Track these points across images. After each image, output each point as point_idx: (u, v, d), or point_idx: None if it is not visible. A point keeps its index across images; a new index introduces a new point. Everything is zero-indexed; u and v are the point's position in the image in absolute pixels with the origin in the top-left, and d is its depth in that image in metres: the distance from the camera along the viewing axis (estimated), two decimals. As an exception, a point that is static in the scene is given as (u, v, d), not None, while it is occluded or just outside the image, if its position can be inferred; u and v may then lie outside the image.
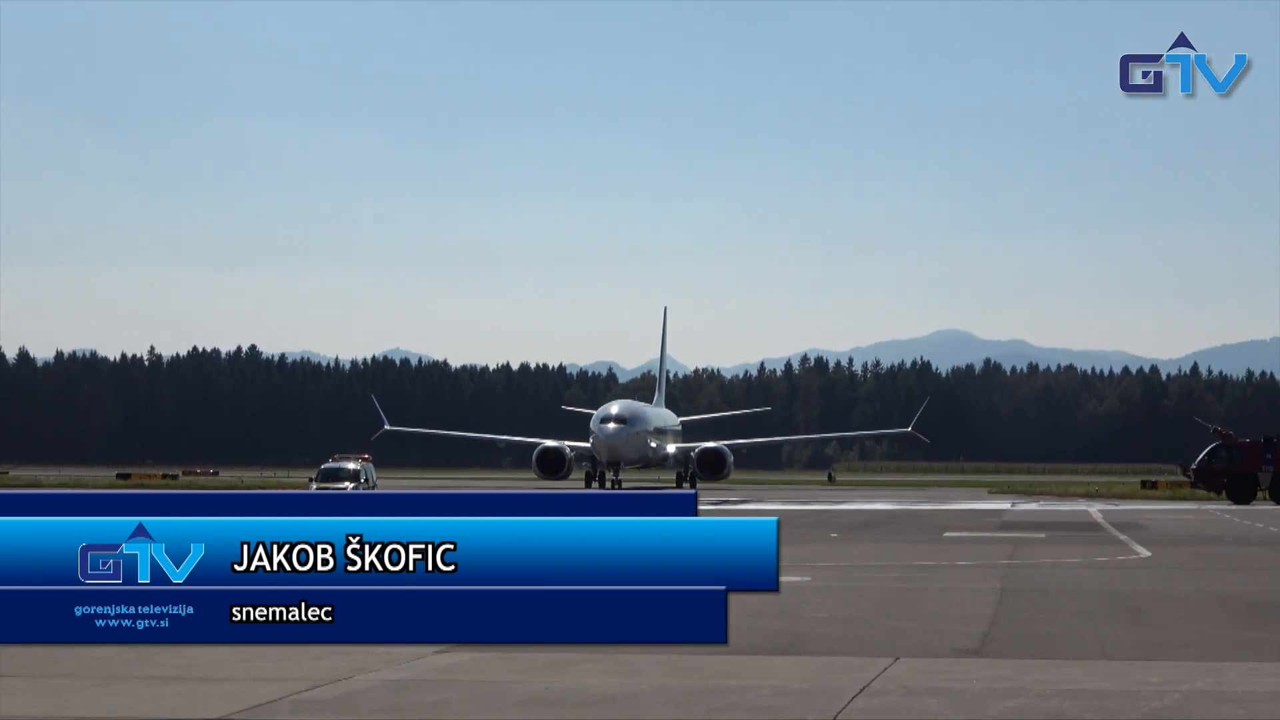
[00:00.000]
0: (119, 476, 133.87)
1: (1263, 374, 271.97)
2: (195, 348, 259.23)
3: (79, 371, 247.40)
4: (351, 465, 68.89)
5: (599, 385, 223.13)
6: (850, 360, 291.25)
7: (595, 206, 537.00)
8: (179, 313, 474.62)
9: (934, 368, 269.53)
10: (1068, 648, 21.86)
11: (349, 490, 64.35)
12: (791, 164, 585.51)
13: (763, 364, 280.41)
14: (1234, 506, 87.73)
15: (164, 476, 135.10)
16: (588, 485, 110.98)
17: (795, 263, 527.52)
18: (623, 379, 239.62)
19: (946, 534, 54.09)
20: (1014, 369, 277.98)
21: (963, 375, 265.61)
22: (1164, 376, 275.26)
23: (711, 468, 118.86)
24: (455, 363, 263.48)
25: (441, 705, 16.45)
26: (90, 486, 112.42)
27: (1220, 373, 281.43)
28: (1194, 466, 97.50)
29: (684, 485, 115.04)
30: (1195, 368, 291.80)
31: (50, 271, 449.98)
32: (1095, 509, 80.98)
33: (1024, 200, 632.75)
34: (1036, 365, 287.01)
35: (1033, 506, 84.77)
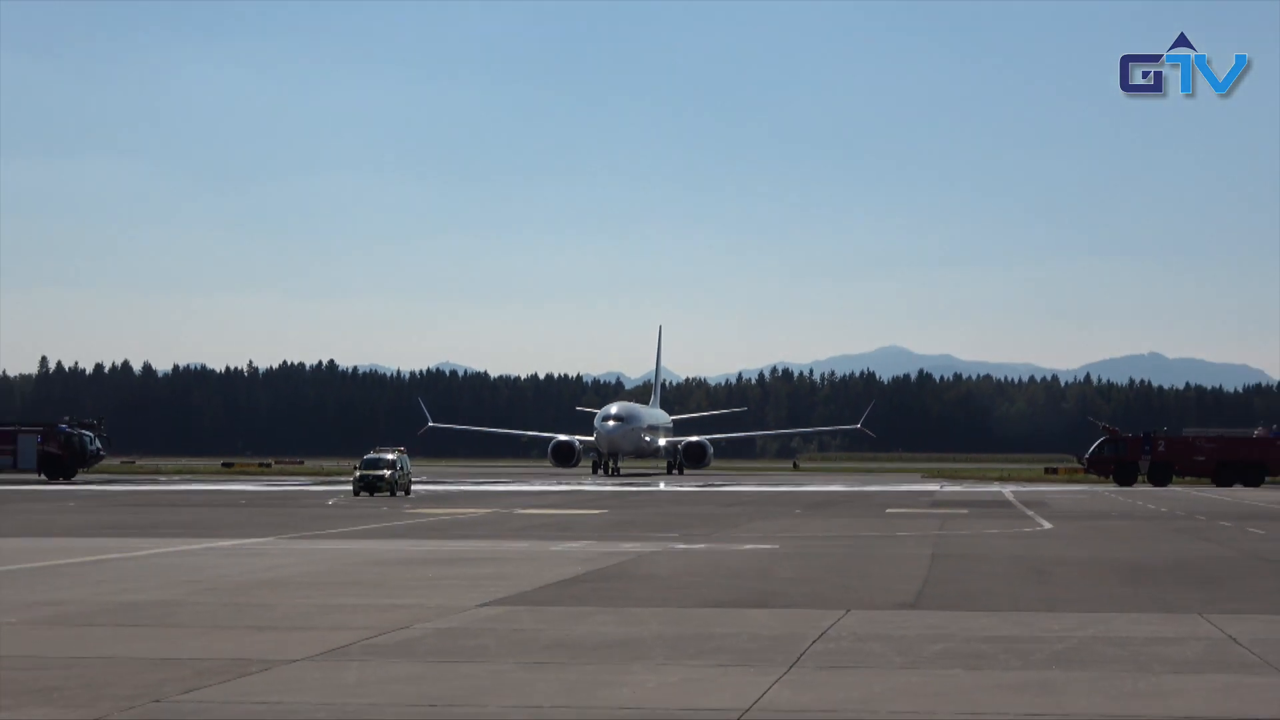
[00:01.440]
0: (224, 465, 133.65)
1: (1142, 382, 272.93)
2: (285, 361, 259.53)
3: (191, 381, 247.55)
4: (389, 455, 67.66)
5: (608, 391, 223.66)
6: (811, 371, 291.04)
7: (604, 244, 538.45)
8: (272, 332, 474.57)
9: (878, 377, 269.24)
10: (986, 602, 21.82)
11: (385, 477, 64.58)
12: (766, 208, 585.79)
13: (740, 373, 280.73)
14: (1119, 488, 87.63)
15: (259, 465, 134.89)
16: (594, 472, 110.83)
17: (767, 289, 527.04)
18: (628, 385, 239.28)
19: (888, 510, 53.98)
20: (942, 378, 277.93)
21: (901, 383, 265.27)
22: (1063, 384, 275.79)
23: (695, 458, 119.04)
24: (493, 373, 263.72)
25: (482, 649, 16.43)
26: (200, 473, 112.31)
27: (1108, 381, 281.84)
28: (1087, 456, 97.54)
29: (673, 472, 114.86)
30: (1088, 376, 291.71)
31: (168, 299, 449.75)
32: (1008, 490, 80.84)
33: (958, 236, 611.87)
34: (960, 375, 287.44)
35: (957, 488, 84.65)
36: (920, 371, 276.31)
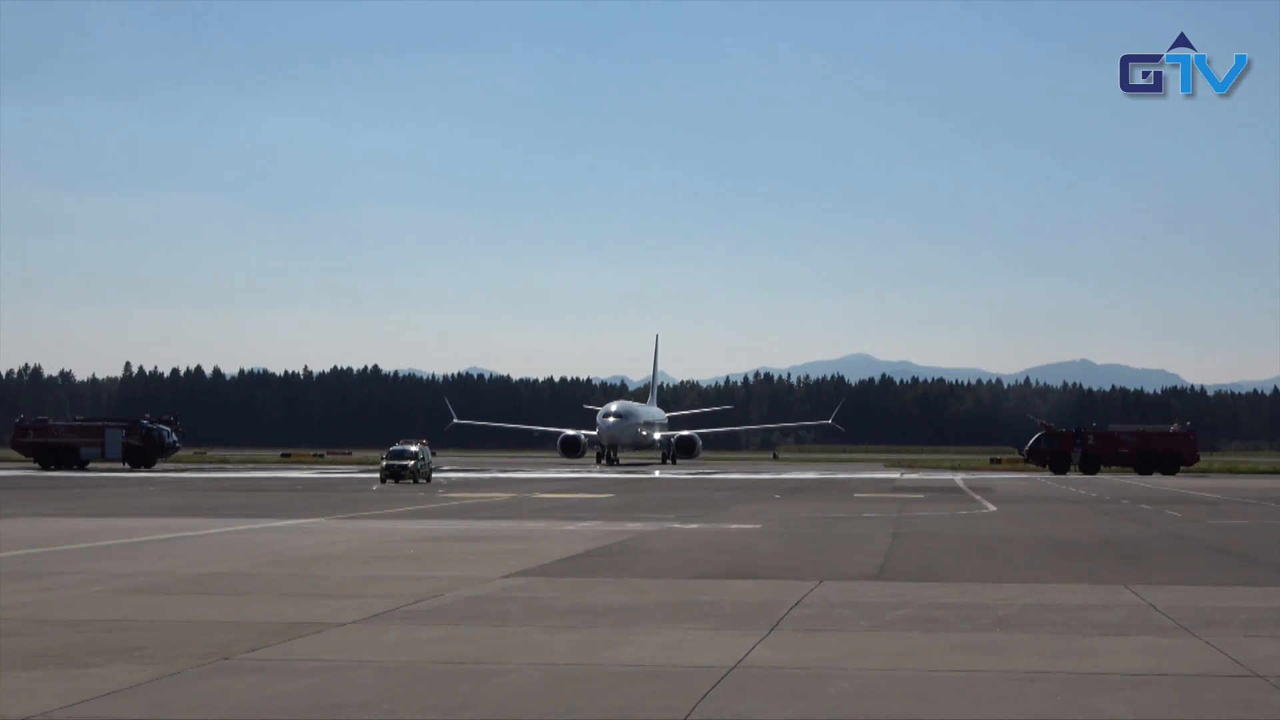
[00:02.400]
0: (283, 456, 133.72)
1: (1074, 384, 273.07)
2: (335, 366, 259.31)
3: (254, 383, 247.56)
4: (413, 448, 67.26)
5: (614, 391, 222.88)
6: (788, 374, 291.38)
7: (610, 265, 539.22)
8: (325, 341, 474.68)
9: (846, 380, 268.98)
10: (939, 574, 21.83)
11: (409, 467, 64.25)
12: (749, 235, 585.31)
13: (727, 377, 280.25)
14: (1054, 476, 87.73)
15: (314, 455, 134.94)
16: (597, 462, 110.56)
17: (750, 304, 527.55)
18: (630, 387, 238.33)
19: (855, 495, 53.99)
20: (901, 380, 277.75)
21: (866, 385, 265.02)
22: (1005, 386, 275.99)
23: (687, 449, 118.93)
24: (515, 376, 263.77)
25: (505, 614, 16.45)
26: (262, 462, 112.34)
27: (1044, 383, 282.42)
28: (1026, 448, 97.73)
29: (667, 462, 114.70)
30: (1027, 379, 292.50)
31: (235, 312, 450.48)
32: (958, 478, 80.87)
33: (914, 260, 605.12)
34: (917, 378, 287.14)
35: (915, 476, 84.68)
36: (882, 375, 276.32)
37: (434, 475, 71.14)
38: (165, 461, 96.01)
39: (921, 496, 52.46)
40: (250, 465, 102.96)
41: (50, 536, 28.60)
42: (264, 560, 23.40)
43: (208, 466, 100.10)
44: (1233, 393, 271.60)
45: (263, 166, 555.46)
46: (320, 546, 26.62)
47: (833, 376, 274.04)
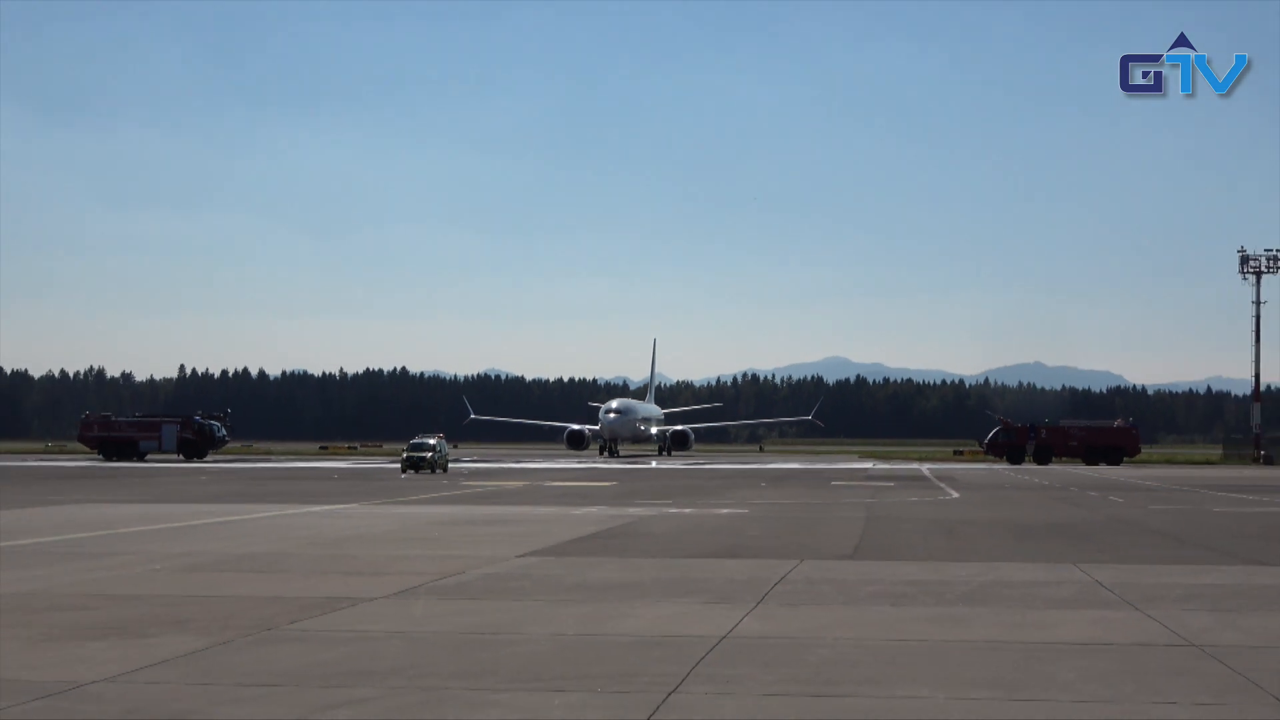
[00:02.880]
0: (321, 448, 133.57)
1: (1029, 384, 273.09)
2: (367, 368, 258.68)
3: (295, 383, 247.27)
4: (431, 440, 66.82)
5: (617, 390, 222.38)
6: (773, 375, 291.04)
7: (614, 277, 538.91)
8: (358, 345, 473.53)
9: (824, 380, 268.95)
10: (908, 553, 21.84)
11: (428, 458, 63.54)
12: (737, 250, 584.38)
13: (718, 377, 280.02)
14: (1011, 466, 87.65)
15: (348, 448, 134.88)
16: (600, 454, 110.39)
17: (739, 311, 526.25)
18: (632, 386, 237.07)
19: (833, 483, 53.98)
20: (874, 380, 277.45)
21: (843, 384, 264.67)
22: (966, 386, 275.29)
23: (681, 443, 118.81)
24: (528, 377, 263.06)
25: (520, 589, 16.46)
26: (302, 454, 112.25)
27: (1001, 383, 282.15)
28: (985, 441, 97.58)
29: (662, 454, 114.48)
30: (986, 380, 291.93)
31: (279, 319, 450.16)
32: (925, 468, 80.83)
33: (886, 273, 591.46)
34: (888, 378, 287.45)
35: (886, 466, 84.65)
36: (857, 376, 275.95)
37: (455, 465, 71.02)
38: (215, 453, 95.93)
39: (892, 484, 52.46)
40: (291, 456, 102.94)
41: (113, 521, 28.62)
42: (304, 541, 23.42)
43: (253, 458, 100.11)
44: (1170, 391, 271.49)
45: (304, 190, 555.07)
46: (354, 529, 26.63)
47: (812, 377, 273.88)
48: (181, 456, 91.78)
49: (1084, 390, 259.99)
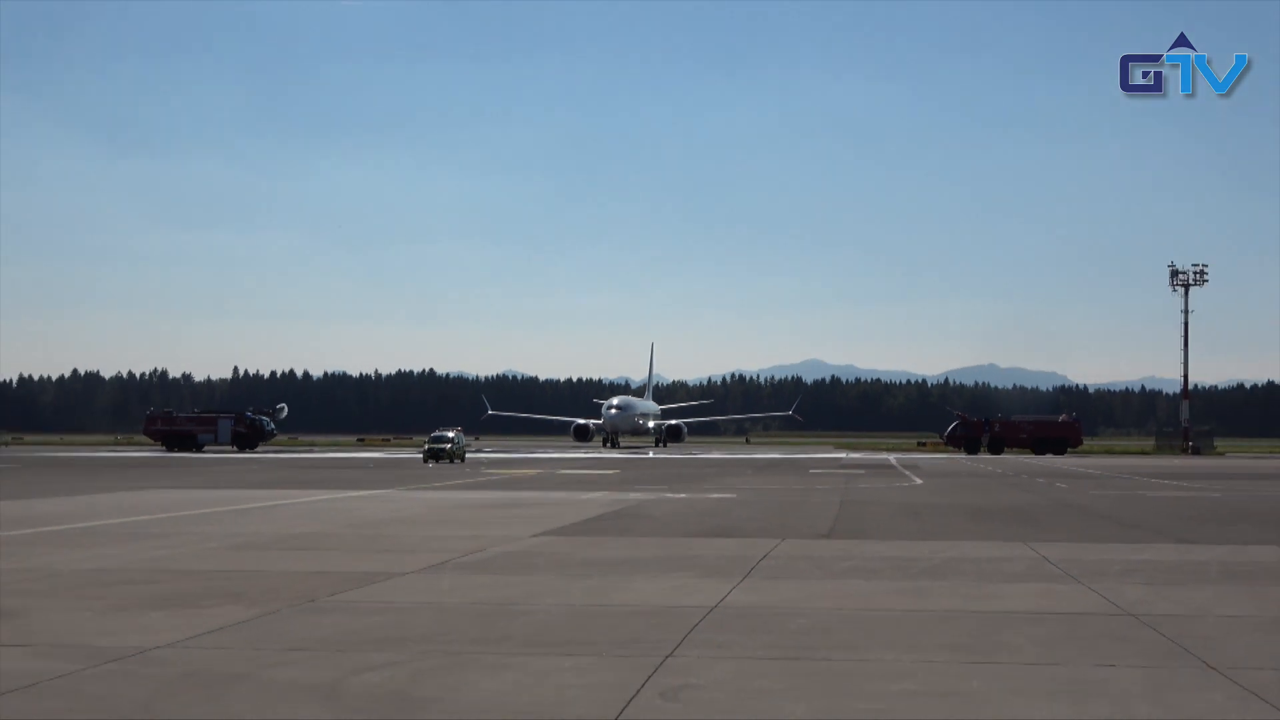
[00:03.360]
0: (358, 440, 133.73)
1: (984, 384, 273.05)
2: (399, 369, 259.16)
3: (335, 382, 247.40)
4: (450, 433, 66.21)
5: (619, 389, 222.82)
6: (758, 375, 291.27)
7: (617, 287, 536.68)
8: (392, 349, 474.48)
9: (803, 379, 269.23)
10: (877, 533, 21.82)
11: (447, 449, 63.12)
12: (725, 264, 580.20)
13: (709, 377, 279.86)
14: (968, 456, 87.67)
15: (383, 440, 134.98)
16: (603, 445, 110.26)
17: (728, 318, 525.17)
18: (633, 385, 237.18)
19: (811, 470, 53.98)
20: (847, 380, 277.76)
21: (819, 384, 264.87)
22: (929, 385, 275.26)
23: (675, 435, 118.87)
24: (541, 377, 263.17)
25: (534, 565, 16.45)
26: (342, 445, 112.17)
27: (959, 382, 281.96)
28: (945, 434, 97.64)
29: (659, 446, 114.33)
30: (946, 380, 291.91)
31: (321, 325, 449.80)
32: (892, 458, 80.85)
33: (860, 283, 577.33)
34: (859, 378, 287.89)
35: (858, 456, 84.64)
36: (832, 376, 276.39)
37: (474, 456, 70.84)
38: (265, 445, 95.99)
39: (863, 472, 52.47)
40: (332, 448, 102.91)
41: (173, 504, 28.62)
42: (344, 523, 23.41)
43: (298, 449, 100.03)
44: (1109, 390, 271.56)
45: (343, 211, 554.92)
46: (388, 512, 26.62)
47: (792, 377, 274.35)
48: (235, 448, 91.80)
49: (1033, 389, 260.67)
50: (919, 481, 43.92)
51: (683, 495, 33.79)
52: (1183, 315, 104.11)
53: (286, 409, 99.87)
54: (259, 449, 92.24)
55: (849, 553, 18.13)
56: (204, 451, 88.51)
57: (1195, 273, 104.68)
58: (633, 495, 33.39)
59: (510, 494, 34.07)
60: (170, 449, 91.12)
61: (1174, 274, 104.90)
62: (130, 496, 31.95)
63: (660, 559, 17.15)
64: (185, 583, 14.34)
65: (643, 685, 8.92)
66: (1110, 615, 12.33)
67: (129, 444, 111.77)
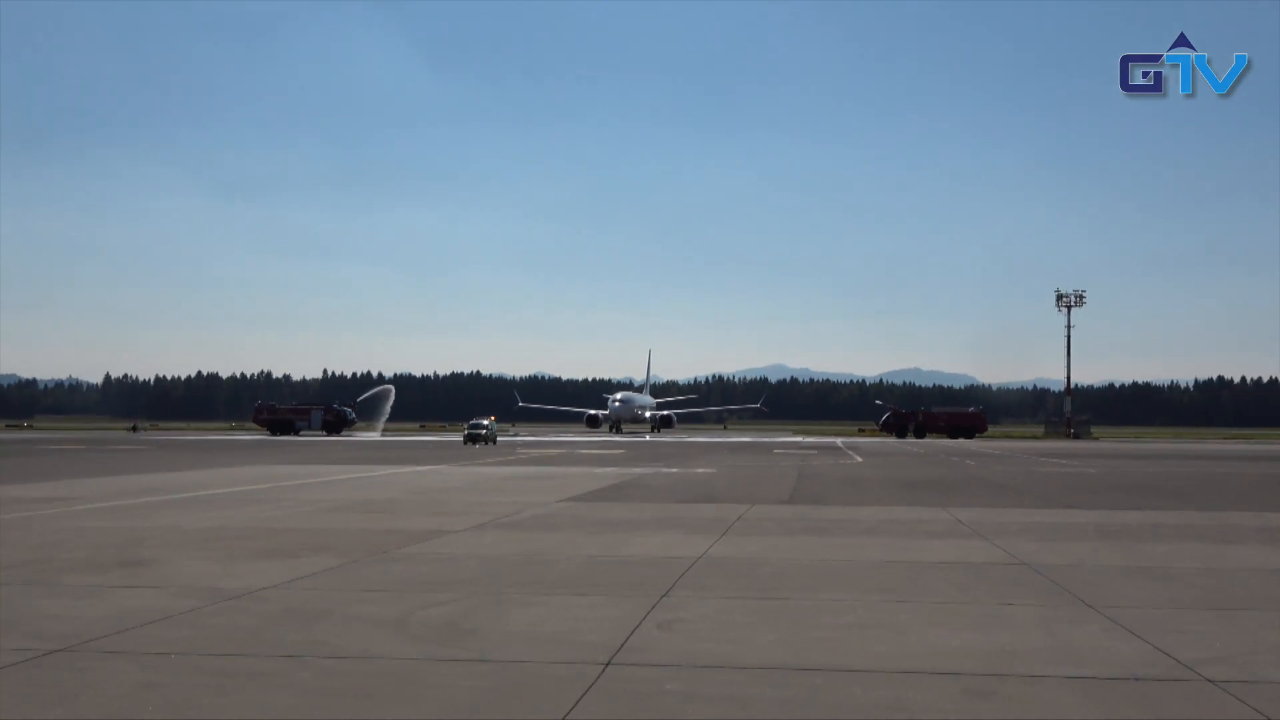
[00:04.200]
0: (420, 426, 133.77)
1: (910, 383, 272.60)
2: (452, 371, 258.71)
3: (403, 382, 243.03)
4: (485, 421, 65.17)
5: (624, 386, 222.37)
6: (734, 375, 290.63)
7: (622, 304, 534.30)
8: (447, 355, 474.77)
9: (769, 379, 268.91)
10: (826, 499, 21.77)
11: (482, 433, 61.86)
12: (708, 286, 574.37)
13: (695, 377, 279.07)
14: (898, 440, 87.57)
15: (440, 426, 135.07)
16: (609, 432, 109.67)
17: (710, 329, 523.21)
18: (635, 384, 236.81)
19: (775, 451, 53.88)
20: (804, 380, 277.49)
21: (782, 383, 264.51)
22: (867, 384, 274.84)
23: (666, 424, 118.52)
24: (564, 377, 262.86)
25: (559, 524, 16.41)
26: (406, 431, 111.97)
27: (890, 381, 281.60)
28: (880, 422, 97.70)
29: (654, 432, 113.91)
30: (881, 380, 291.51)
31: (392, 337, 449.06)
32: (839, 441, 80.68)
33: (813, 299, 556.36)
34: (813, 379, 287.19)
35: (812, 440, 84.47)
36: (792, 377, 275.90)
37: (505, 440, 70.62)
38: (348, 431, 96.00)
39: (815, 452, 52.40)
40: (399, 433, 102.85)
41: (275, 477, 28.61)
42: (408, 491, 23.40)
43: (371, 435, 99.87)
44: (1008, 388, 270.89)
45: (409, 244, 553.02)
46: (443, 482, 26.60)
47: (761, 377, 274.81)
48: (324, 433, 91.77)
49: (948, 387, 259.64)
50: (859, 460, 43.87)
51: (674, 470, 33.77)
52: (1066, 330, 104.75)
53: (354, 412, 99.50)
54: (342, 434, 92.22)
55: (804, 515, 18.11)
56: (300, 435, 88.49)
57: (1075, 296, 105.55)
58: (635, 470, 33.37)
59: (538, 469, 34.06)
60: (273, 434, 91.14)
61: (1059, 297, 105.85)
62: (241, 470, 31.94)
63: (657, 520, 17.13)
64: (284, 538, 14.34)
65: (643, 619, 8.91)
66: (1009, 564, 12.31)
67: (241, 430, 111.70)
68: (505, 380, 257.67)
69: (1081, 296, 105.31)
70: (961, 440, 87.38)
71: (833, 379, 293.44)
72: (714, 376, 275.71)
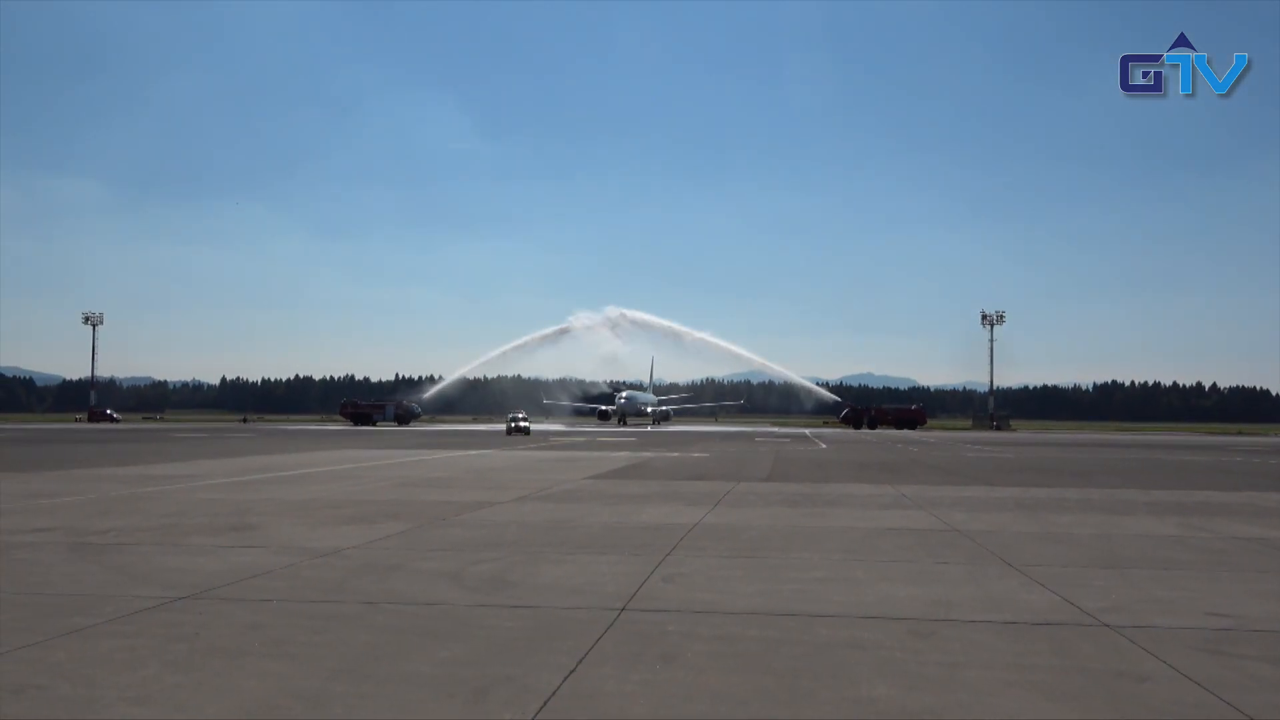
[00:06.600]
0: (473, 418, 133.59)
1: (865, 385, 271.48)
2: (499, 374, 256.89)
3: (459, 384, 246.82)
4: (521, 414, 65.66)
5: (632, 386, 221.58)
6: (723, 378, 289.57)
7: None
8: (494, 360, 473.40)
9: (751, 381, 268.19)
10: (797, 478, 21.61)
11: (520, 425, 61.61)
12: (699, 304, 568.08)
13: (691, 380, 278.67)
14: (855, 431, 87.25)
15: (489, 419, 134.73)
16: (617, 424, 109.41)
17: (702, 340, 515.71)
18: (643, 385, 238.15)
19: (756, 439, 53.66)
20: (778, 383, 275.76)
21: (762, 385, 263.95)
22: (829, 385, 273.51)
23: (665, 418, 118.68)
24: (588, 380, 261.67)
25: (583, 497, 16.36)
26: (462, 422, 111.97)
27: (850, 384, 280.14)
28: (841, 416, 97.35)
29: (655, 425, 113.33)
30: (841, 382, 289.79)
31: (452, 349, 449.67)
32: (808, 431, 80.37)
33: (786, 315, 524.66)
34: (786, 381, 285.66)
35: (786, 430, 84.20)
36: (770, 380, 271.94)
37: (536, 430, 70.62)
38: (415, 423, 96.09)
39: (788, 440, 52.18)
40: (456, 423, 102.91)
41: (356, 459, 28.63)
42: (463, 470, 23.38)
43: (435, 426, 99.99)
44: (944, 389, 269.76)
45: (461, 273, 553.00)
46: (491, 463, 26.56)
47: (745, 380, 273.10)
48: (396, 424, 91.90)
49: (896, 388, 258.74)
50: (824, 446, 43.70)
51: (675, 454, 33.70)
52: (989, 344, 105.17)
53: (420, 407, 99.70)
54: (411, 425, 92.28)
55: (780, 491, 18.02)
56: (376, 426, 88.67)
57: (997, 315, 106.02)
58: (644, 454, 33.31)
59: (566, 453, 34.02)
60: (355, 425, 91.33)
61: (984, 316, 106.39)
62: (328, 454, 31.99)
63: (662, 494, 17.07)
64: (364, 508, 14.33)
65: (650, 573, 8.87)
66: (943, 530, 12.22)
67: (329, 421, 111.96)
68: (540, 381, 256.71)
69: (1002, 315, 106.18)
70: (906, 431, 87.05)
71: (803, 379, 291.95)
72: (707, 379, 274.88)
